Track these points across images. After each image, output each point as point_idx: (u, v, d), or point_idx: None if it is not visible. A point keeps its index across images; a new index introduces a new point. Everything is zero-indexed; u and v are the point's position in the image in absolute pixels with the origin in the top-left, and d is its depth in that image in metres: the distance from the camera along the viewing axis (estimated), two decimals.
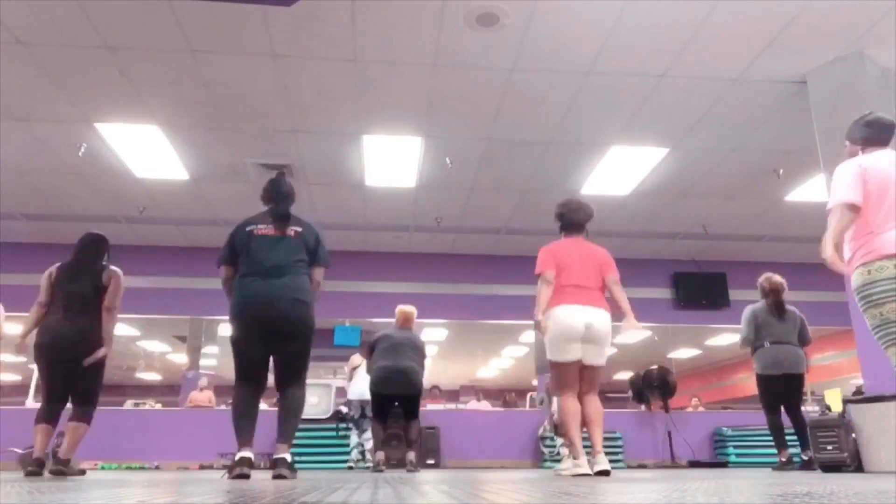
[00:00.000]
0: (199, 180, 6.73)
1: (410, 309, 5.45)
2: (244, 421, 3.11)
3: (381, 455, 5.04)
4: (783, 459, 4.82)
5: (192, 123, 5.64)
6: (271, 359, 3.28)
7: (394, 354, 5.05)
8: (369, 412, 6.51)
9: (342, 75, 4.95)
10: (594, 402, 3.64)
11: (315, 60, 4.78)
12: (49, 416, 3.79)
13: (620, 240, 8.44)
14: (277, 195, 3.44)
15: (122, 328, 9.89)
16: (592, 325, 3.56)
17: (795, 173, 6.56)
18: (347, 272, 8.68)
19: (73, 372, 3.81)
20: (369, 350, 5.25)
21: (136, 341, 11.57)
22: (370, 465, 6.36)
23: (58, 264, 4.02)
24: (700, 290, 9.01)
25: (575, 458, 3.53)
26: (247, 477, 2.89)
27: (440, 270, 8.84)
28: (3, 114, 5.43)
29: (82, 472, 4.08)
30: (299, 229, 3.38)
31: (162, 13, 4.24)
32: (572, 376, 3.64)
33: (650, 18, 4.34)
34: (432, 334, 10.37)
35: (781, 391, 4.95)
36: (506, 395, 9.98)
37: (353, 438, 6.50)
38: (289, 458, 3.12)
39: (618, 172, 6.59)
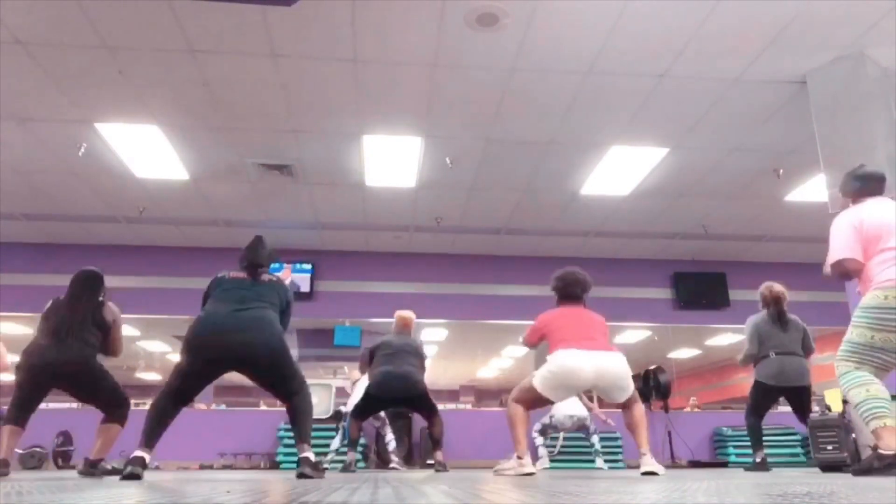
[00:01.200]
0: (199, 180, 6.73)
1: (408, 314, 5.46)
2: (156, 429, 3.08)
3: (352, 455, 5.03)
4: (758, 460, 4.80)
5: (192, 123, 5.64)
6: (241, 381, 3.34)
7: (393, 360, 5.04)
8: (376, 421, 6.51)
9: (342, 75, 4.94)
10: (639, 408, 3.64)
11: (315, 60, 4.77)
12: (18, 420, 3.69)
13: (620, 240, 8.44)
14: (254, 253, 3.50)
15: (122, 328, 9.89)
16: (602, 370, 3.43)
17: (795, 173, 6.56)
18: (347, 272, 8.68)
19: (82, 393, 3.81)
20: (369, 357, 5.25)
21: (136, 341, 11.55)
22: (395, 465, 6.35)
23: (52, 299, 3.97)
24: (700, 290, 9.00)
25: (520, 457, 3.52)
26: (138, 477, 2.83)
27: (440, 270, 8.83)
28: (3, 114, 5.42)
29: (111, 472, 3.98)
30: (272, 278, 3.45)
31: (162, 13, 4.24)
32: (533, 404, 3.63)
33: (650, 18, 4.33)
34: (432, 334, 10.35)
35: (774, 402, 4.95)
36: (502, 397, 9.89)
37: (336, 442, 6.48)
38: (312, 457, 3.13)
39: (618, 172, 6.59)
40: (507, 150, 6.14)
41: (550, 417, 6.59)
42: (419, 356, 5.19)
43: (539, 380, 3.54)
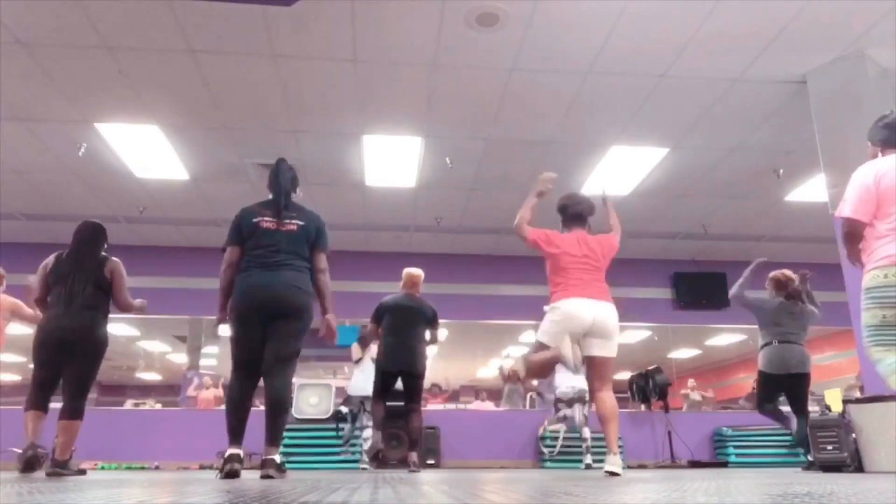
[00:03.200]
0: (199, 180, 6.73)
1: (417, 272, 5.33)
2: (236, 417, 3.17)
3: (377, 437, 4.99)
4: (811, 459, 4.75)
5: (192, 123, 5.64)
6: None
7: (401, 330, 5.00)
8: (368, 406, 6.50)
9: (342, 75, 4.94)
10: (608, 398, 3.59)
11: (315, 60, 4.77)
12: (39, 402, 3.74)
13: (620, 240, 8.43)
14: (278, 185, 3.50)
15: (122, 328, 9.89)
16: (598, 318, 3.54)
17: (795, 173, 6.56)
18: (347, 272, 8.66)
19: (72, 367, 3.77)
20: (376, 319, 5.15)
21: (136, 341, 11.56)
22: (365, 466, 6.31)
23: (55, 255, 4.00)
24: (700, 290, 9.00)
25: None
26: (237, 474, 2.91)
27: (440, 270, 8.81)
28: (3, 114, 5.42)
29: (82, 472, 4.05)
30: (302, 223, 3.41)
31: (162, 13, 4.24)
32: (544, 368, 3.72)
33: (650, 18, 4.33)
34: None
35: (782, 390, 4.97)
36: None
37: (347, 430, 6.44)
38: (278, 458, 3.15)
39: (618, 172, 6.59)
40: (507, 150, 6.14)
41: (556, 389, 6.61)
42: (428, 322, 5.12)
43: (544, 332, 3.63)
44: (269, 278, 3.25)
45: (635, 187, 6.91)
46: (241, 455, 3.05)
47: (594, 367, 3.66)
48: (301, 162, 6.35)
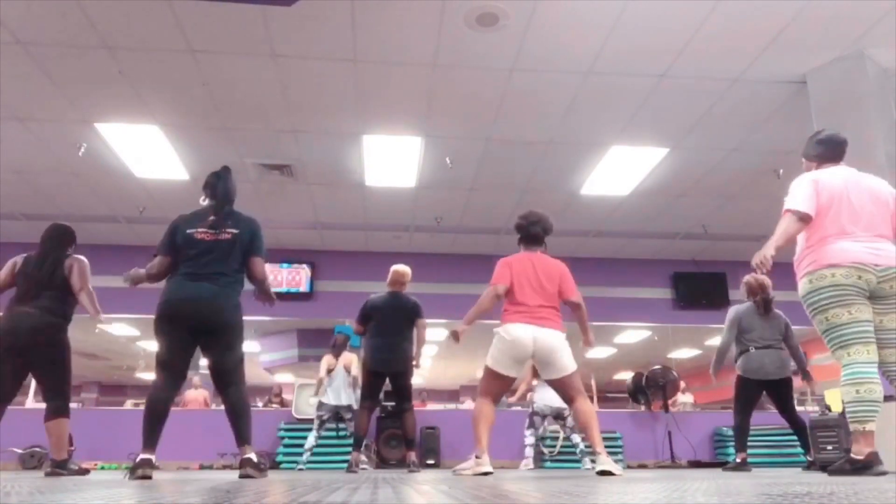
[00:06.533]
0: (199, 180, 6.68)
1: (403, 269, 5.32)
2: (153, 421, 3.11)
3: (356, 455, 4.92)
4: (738, 460, 4.81)
5: (192, 123, 5.64)
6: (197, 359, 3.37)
7: (387, 330, 5.00)
8: (346, 413, 6.50)
9: (342, 75, 4.95)
10: (582, 405, 3.63)
11: (315, 60, 4.77)
12: None
13: (620, 240, 8.43)
14: (219, 193, 3.53)
15: (123, 328, 9.87)
16: (538, 342, 3.56)
17: (795, 173, 6.48)
18: (347, 272, 8.67)
19: (37, 365, 3.76)
20: (362, 320, 5.15)
21: (136, 341, 11.56)
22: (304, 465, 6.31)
23: (24, 255, 3.98)
24: (700, 290, 9.00)
25: (478, 456, 3.62)
26: (149, 478, 2.87)
27: (440, 270, 8.82)
28: (3, 114, 5.42)
29: (84, 472, 4.03)
30: (235, 231, 3.40)
31: (162, 13, 4.24)
32: (497, 388, 3.76)
33: (650, 18, 4.33)
34: (432, 334, 10.36)
35: (760, 395, 4.96)
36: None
37: (311, 440, 6.41)
38: (254, 457, 3.18)
39: (618, 172, 6.59)
40: (507, 150, 6.14)
41: (532, 405, 6.62)
42: (411, 320, 5.09)
43: (491, 358, 3.73)
44: (194, 290, 3.24)
45: (635, 187, 6.91)
46: (153, 461, 2.99)
47: (555, 387, 3.70)
48: (301, 162, 6.35)
